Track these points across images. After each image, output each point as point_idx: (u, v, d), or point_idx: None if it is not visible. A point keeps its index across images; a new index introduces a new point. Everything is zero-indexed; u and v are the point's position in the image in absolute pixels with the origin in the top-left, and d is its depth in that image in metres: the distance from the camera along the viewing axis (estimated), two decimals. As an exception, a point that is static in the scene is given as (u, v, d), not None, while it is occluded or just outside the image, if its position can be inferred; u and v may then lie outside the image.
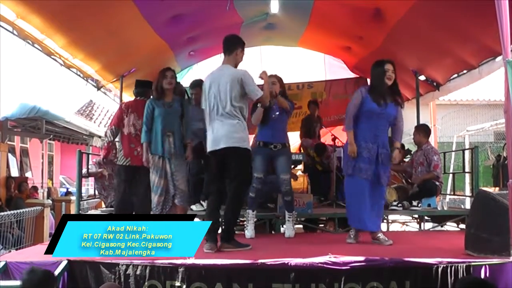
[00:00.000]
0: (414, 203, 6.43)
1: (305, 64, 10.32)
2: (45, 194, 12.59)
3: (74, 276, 3.70)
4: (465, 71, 7.14)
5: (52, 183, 16.14)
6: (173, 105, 5.10)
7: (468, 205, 8.94)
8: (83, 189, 10.61)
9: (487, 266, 3.54)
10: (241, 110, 4.43)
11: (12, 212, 7.49)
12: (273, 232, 5.99)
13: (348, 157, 4.74)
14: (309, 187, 7.67)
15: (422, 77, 8.01)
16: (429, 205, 6.27)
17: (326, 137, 8.69)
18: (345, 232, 5.40)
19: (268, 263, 3.62)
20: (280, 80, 5.30)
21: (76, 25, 5.89)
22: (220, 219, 4.71)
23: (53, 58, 6.49)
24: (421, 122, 7.76)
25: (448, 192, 10.00)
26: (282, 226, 5.59)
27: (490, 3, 3.55)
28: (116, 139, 5.80)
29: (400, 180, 7.15)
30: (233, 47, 4.56)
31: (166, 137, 5.00)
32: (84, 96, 9.00)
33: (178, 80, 6.40)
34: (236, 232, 4.89)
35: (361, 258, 3.65)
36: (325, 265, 3.60)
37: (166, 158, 5.01)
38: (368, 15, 6.63)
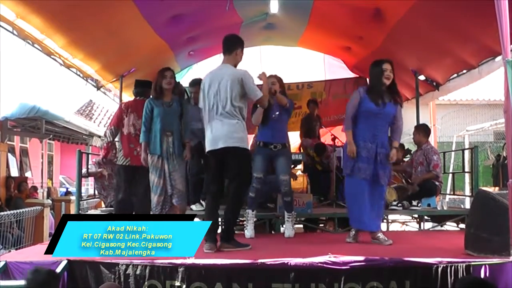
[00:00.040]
0: (414, 203, 6.44)
1: (304, 64, 10.32)
2: (45, 194, 12.59)
3: (74, 276, 3.70)
4: (465, 71, 7.14)
5: (52, 183, 16.14)
6: (172, 105, 5.09)
7: (468, 205, 8.95)
8: (83, 189, 10.61)
9: (487, 266, 3.54)
10: (241, 110, 4.43)
11: (12, 212, 7.49)
12: (273, 232, 5.99)
13: (347, 157, 4.75)
14: (308, 187, 7.66)
15: (422, 77, 8.01)
16: (429, 205, 6.27)
17: (325, 137, 8.69)
18: (345, 232, 5.41)
19: (268, 263, 3.62)
20: (280, 80, 5.31)
21: (76, 25, 5.88)
22: (219, 219, 4.71)
23: (53, 58, 6.48)
24: (421, 122, 7.76)
25: (448, 192, 10.02)
26: (282, 226, 5.58)
27: (490, 3, 3.54)
28: (116, 139, 5.80)
29: (400, 180, 7.15)
30: (233, 46, 4.56)
31: (165, 137, 4.99)
32: (84, 96, 9.03)
33: (178, 80, 6.41)
34: (236, 232, 4.89)
35: (361, 258, 3.65)
36: (325, 265, 3.60)
37: (165, 158, 5.00)
38: (368, 15, 6.63)
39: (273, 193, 6.00)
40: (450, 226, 6.31)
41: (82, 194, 7.68)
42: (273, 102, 5.19)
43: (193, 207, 6.01)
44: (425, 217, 6.41)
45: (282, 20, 8.11)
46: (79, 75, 7.42)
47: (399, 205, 6.25)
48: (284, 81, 5.50)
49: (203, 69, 9.07)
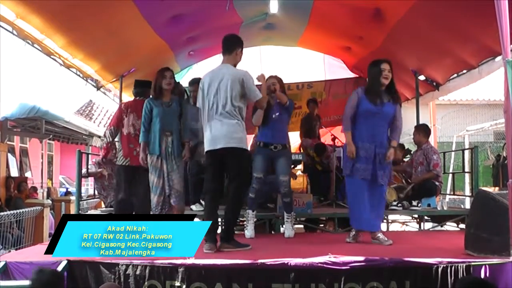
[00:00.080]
0: (414, 203, 6.44)
1: (304, 64, 10.32)
2: (45, 194, 12.60)
3: (74, 276, 3.69)
4: (465, 71, 7.14)
5: (52, 183, 16.15)
6: (172, 105, 5.08)
7: (468, 205, 8.95)
8: (83, 189, 10.62)
9: (487, 266, 3.54)
10: (240, 111, 4.43)
11: (12, 212, 7.49)
12: (273, 232, 5.99)
13: (346, 158, 4.75)
14: (308, 187, 7.67)
15: (422, 77, 8.01)
16: (429, 205, 6.27)
17: (325, 137, 8.69)
18: (345, 232, 5.41)
19: (268, 263, 3.62)
20: (280, 80, 5.31)
21: (76, 25, 5.88)
22: (218, 219, 4.71)
23: (52, 58, 6.48)
24: (421, 122, 7.76)
25: (448, 192, 10.02)
26: (282, 226, 5.58)
27: (490, 3, 3.54)
28: (116, 139, 5.80)
29: (400, 180, 7.15)
30: (233, 46, 4.55)
31: (164, 137, 4.99)
32: (84, 96, 9.03)
33: (177, 80, 6.41)
34: (236, 232, 4.89)
35: (361, 258, 3.65)
36: (325, 265, 3.60)
37: (164, 158, 5.00)
38: (368, 15, 6.63)
39: (273, 193, 6.00)
40: (450, 226, 6.31)
41: (82, 194, 7.68)
42: (274, 102, 5.20)
43: (193, 207, 6.01)
44: (425, 217, 6.41)
45: (282, 20, 8.11)
46: (79, 75, 7.42)
47: (399, 205, 6.25)
48: (284, 81, 5.50)
49: (203, 69, 9.07)
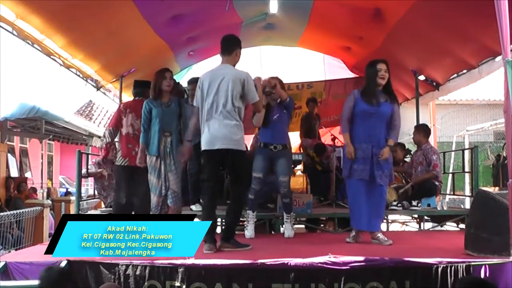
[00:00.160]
0: (414, 203, 6.44)
1: (304, 64, 10.33)
2: (45, 194, 12.60)
3: (74, 276, 3.69)
4: (464, 71, 7.14)
5: (52, 183, 16.15)
6: (171, 105, 5.07)
7: (468, 205, 8.95)
8: (83, 189, 10.63)
9: (487, 266, 3.54)
10: (239, 111, 4.43)
11: (12, 212, 7.49)
12: (273, 232, 5.99)
13: (345, 159, 4.76)
14: (308, 187, 7.67)
15: (421, 77, 8.00)
16: (429, 205, 6.27)
17: (325, 137, 8.69)
18: (344, 232, 5.41)
19: (268, 263, 3.62)
20: (280, 81, 5.32)
21: (75, 25, 5.88)
22: (217, 219, 4.72)
23: (52, 58, 6.48)
24: (421, 122, 7.76)
25: (448, 192, 10.02)
26: (282, 226, 5.59)
27: (490, 3, 3.54)
28: (116, 139, 5.81)
29: (400, 180, 7.15)
30: (232, 47, 4.55)
31: (163, 137, 4.98)
32: (84, 96, 9.01)
33: (177, 80, 6.40)
34: (236, 232, 4.89)
35: (361, 258, 3.65)
36: (325, 265, 3.60)
37: (162, 158, 4.99)
38: (368, 15, 6.63)
39: (273, 194, 6.00)
40: (450, 226, 6.31)
41: (82, 195, 7.69)
42: (274, 104, 5.21)
43: (193, 207, 6.01)
44: (425, 217, 6.41)
45: (282, 20, 8.11)
46: (79, 76, 7.42)
47: (399, 205, 6.25)
48: (284, 81, 5.51)
49: (203, 69, 9.07)
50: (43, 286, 3.20)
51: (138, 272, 3.62)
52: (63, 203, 9.20)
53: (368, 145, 4.65)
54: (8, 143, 11.11)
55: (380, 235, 4.69)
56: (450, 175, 9.61)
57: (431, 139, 7.99)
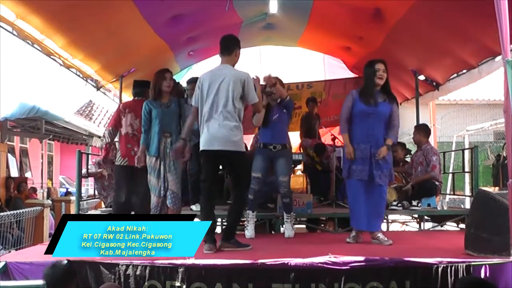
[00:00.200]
0: (414, 203, 6.44)
1: (304, 64, 10.33)
2: (45, 194, 12.60)
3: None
4: (464, 71, 7.14)
5: (52, 183, 16.15)
6: (170, 106, 5.06)
7: (468, 205, 8.95)
8: (83, 189, 10.63)
9: (487, 266, 3.54)
10: (239, 112, 4.43)
11: (12, 212, 7.49)
12: (273, 232, 5.99)
13: (345, 159, 4.76)
14: (308, 187, 7.67)
15: (421, 77, 8.00)
16: (429, 205, 6.27)
17: (325, 137, 8.69)
18: (344, 232, 5.41)
19: (268, 263, 3.62)
20: (279, 81, 5.32)
21: (75, 25, 5.89)
22: (216, 219, 4.72)
23: (52, 58, 6.49)
24: (421, 122, 7.76)
25: (448, 191, 10.02)
26: (282, 226, 5.59)
27: (490, 3, 3.54)
28: (116, 139, 5.81)
29: (400, 180, 7.15)
30: (232, 47, 4.55)
31: (163, 138, 4.98)
32: (84, 96, 9.00)
33: (177, 81, 6.40)
34: (236, 232, 4.89)
35: (361, 258, 3.65)
36: (325, 265, 3.60)
37: (161, 158, 4.99)
38: (368, 15, 6.64)
39: (273, 194, 6.00)
40: (450, 226, 6.31)
41: (82, 195, 7.68)
42: (274, 104, 5.22)
43: (193, 207, 6.01)
44: (425, 217, 6.41)
45: (282, 20, 8.11)
46: (79, 76, 7.43)
47: (399, 205, 6.25)
48: (284, 81, 5.52)
49: (202, 69, 9.07)
50: (47, 283, 3.20)
51: (138, 272, 3.62)
52: (63, 203, 9.20)
53: (366, 145, 4.65)
54: (8, 143, 11.11)
55: (380, 235, 4.70)
56: (450, 175, 9.61)
57: (431, 139, 7.99)
